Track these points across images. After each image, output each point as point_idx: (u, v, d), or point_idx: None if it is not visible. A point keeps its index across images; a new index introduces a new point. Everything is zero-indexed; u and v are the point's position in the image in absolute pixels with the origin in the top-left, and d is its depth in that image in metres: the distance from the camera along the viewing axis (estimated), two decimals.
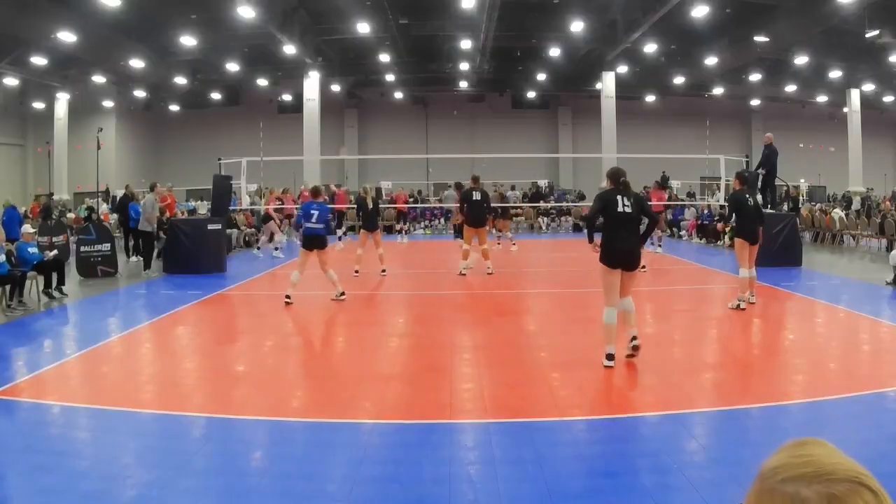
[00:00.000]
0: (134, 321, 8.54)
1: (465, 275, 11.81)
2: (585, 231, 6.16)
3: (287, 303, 9.17)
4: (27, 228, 10.44)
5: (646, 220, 6.45)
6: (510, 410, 4.95)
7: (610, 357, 5.90)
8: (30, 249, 9.96)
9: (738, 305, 8.56)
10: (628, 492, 3.63)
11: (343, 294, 9.48)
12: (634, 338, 5.99)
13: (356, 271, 11.75)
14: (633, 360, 6.08)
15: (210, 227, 13.00)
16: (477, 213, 11.71)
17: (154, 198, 13.44)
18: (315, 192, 10.18)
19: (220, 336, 7.91)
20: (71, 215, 21.08)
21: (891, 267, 10.70)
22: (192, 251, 12.64)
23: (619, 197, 5.91)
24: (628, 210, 5.89)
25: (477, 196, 11.76)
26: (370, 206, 12.23)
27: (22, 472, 3.85)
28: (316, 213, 9.38)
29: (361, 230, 12.62)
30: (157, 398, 5.34)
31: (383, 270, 12.04)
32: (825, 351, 6.87)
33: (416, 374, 6.02)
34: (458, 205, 12.70)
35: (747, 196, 8.61)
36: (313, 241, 9.36)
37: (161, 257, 13.28)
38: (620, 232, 5.86)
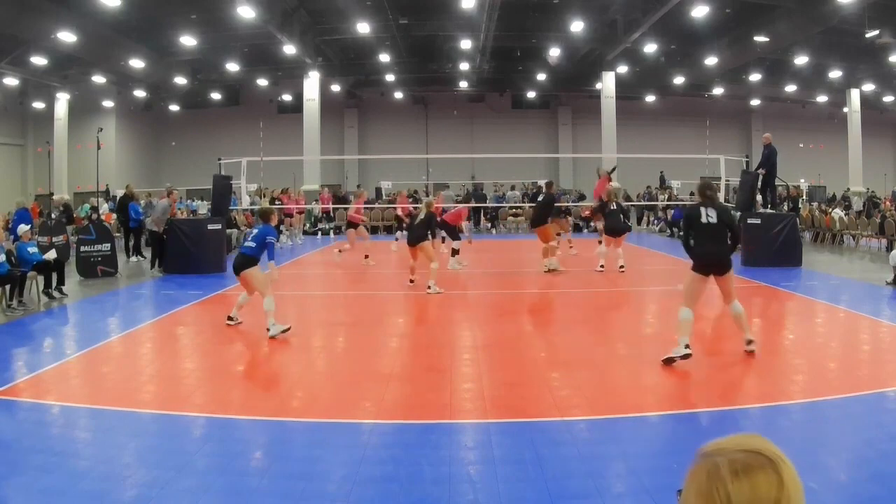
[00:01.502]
0: (134, 321, 8.55)
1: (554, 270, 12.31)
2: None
3: (228, 324, 7.89)
4: (23, 228, 10.40)
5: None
6: (510, 410, 4.95)
7: (686, 346, 6.05)
8: (30, 249, 9.96)
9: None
10: (628, 492, 3.63)
11: (270, 331, 7.28)
12: (750, 341, 6.41)
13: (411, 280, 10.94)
14: (630, 358, 6.08)
15: (210, 227, 13.01)
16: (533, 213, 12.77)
17: (168, 203, 13.48)
18: (264, 214, 8.20)
19: (220, 336, 7.90)
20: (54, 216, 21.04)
21: (891, 267, 10.70)
22: (192, 251, 12.65)
23: (702, 209, 6.33)
24: (712, 220, 6.26)
25: (540, 198, 12.73)
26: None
27: (22, 472, 3.85)
28: (254, 231, 8.04)
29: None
30: (157, 398, 5.33)
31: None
32: (825, 351, 6.87)
33: (416, 374, 6.02)
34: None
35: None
36: (235, 265, 7.65)
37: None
38: (706, 240, 6.30)
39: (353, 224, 14.49)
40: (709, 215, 6.27)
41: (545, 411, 4.93)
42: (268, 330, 7.30)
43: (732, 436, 1.00)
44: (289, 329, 7.43)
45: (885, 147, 31.96)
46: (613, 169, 16.75)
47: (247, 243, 7.86)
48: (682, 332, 6.15)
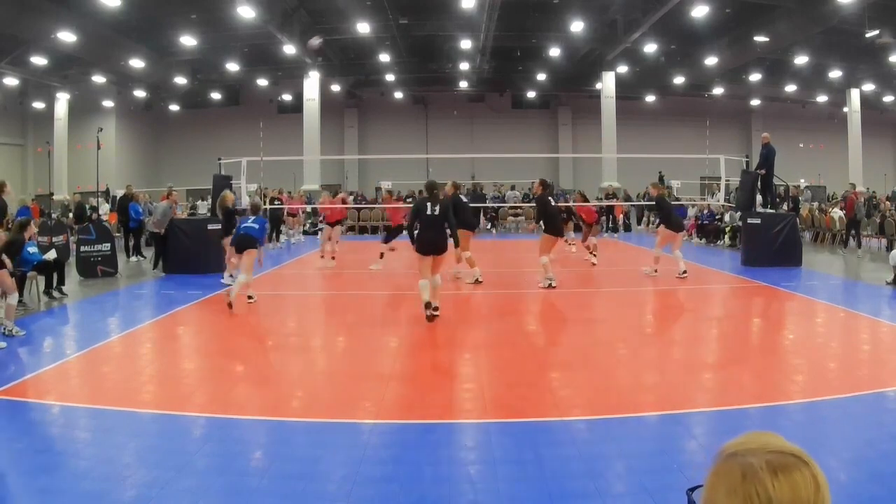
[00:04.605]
0: (134, 321, 8.54)
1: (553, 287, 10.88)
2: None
3: (250, 302, 9.28)
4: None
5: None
6: (510, 410, 4.95)
7: (427, 306, 7.91)
8: (30, 249, 9.91)
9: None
10: (628, 492, 3.63)
11: (251, 298, 9.37)
12: (436, 308, 8.00)
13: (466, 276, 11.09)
14: (630, 358, 6.06)
15: (210, 227, 12.99)
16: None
17: (168, 205, 13.48)
18: (254, 208, 10.18)
19: (220, 336, 7.91)
20: (71, 215, 21.05)
21: (891, 267, 10.70)
22: (192, 251, 12.65)
23: (428, 203, 8.02)
24: (435, 213, 7.98)
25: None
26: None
27: (22, 472, 3.85)
28: (250, 218, 9.60)
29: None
30: (157, 398, 5.33)
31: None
32: (825, 351, 6.87)
33: (416, 374, 6.02)
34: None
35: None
36: (242, 242, 9.24)
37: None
38: (428, 229, 8.04)
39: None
40: (434, 209, 7.95)
41: (545, 411, 4.94)
42: (228, 294, 8.95)
43: (749, 434, 0.99)
44: (253, 300, 9.28)
45: (885, 147, 31.96)
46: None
47: (249, 225, 9.33)
48: (422, 295, 7.99)
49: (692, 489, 1.04)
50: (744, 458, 0.93)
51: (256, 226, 9.35)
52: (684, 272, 11.34)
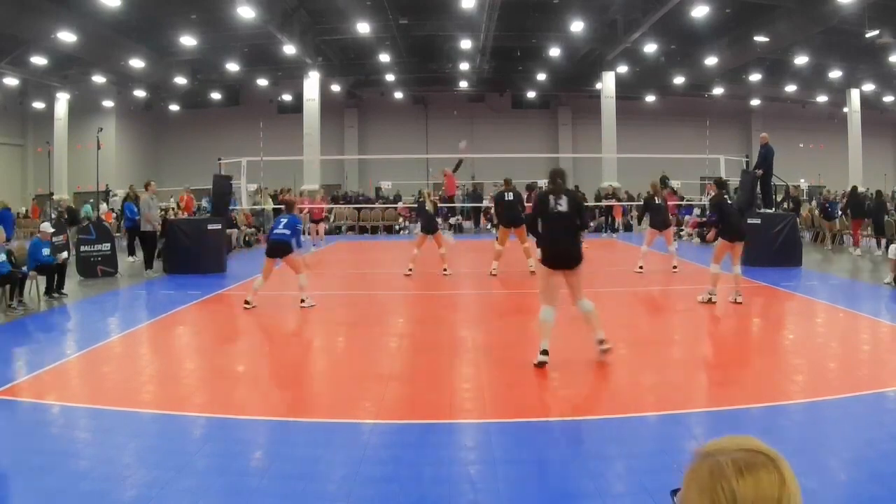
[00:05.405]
0: (134, 321, 8.55)
1: (494, 275, 11.82)
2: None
3: (246, 308, 8.90)
4: (47, 227, 10.29)
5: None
6: (510, 410, 4.95)
7: (543, 353, 5.84)
8: (43, 250, 9.86)
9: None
10: (628, 492, 3.63)
11: (304, 301, 9.05)
12: (602, 341, 5.99)
13: (409, 269, 11.85)
14: (629, 358, 6.07)
15: (210, 227, 13.00)
16: (510, 213, 11.80)
17: (150, 197, 13.44)
18: (289, 206, 9.90)
19: (220, 336, 7.91)
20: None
21: (891, 264, 10.67)
22: (192, 251, 12.64)
23: (551, 197, 5.91)
24: (562, 209, 5.84)
25: (509, 197, 11.80)
26: (430, 209, 12.10)
27: (22, 473, 3.85)
28: (283, 220, 9.18)
29: (419, 232, 12.41)
30: (157, 398, 5.33)
31: (445, 270, 11.98)
32: (825, 351, 6.87)
33: (416, 374, 6.02)
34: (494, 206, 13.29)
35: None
36: (275, 250, 9.05)
37: (161, 257, 13.29)
38: (555, 233, 5.88)
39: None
40: (559, 203, 5.86)
41: (545, 411, 4.94)
42: (302, 301, 9.04)
43: (727, 436, 1.02)
44: (314, 305, 9.07)
45: (885, 147, 31.98)
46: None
47: (280, 230, 9.07)
48: (542, 334, 5.87)
49: (674, 491, 1.06)
50: (713, 458, 0.97)
51: (288, 231, 8.94)
52: (641, 267, 12.19)
